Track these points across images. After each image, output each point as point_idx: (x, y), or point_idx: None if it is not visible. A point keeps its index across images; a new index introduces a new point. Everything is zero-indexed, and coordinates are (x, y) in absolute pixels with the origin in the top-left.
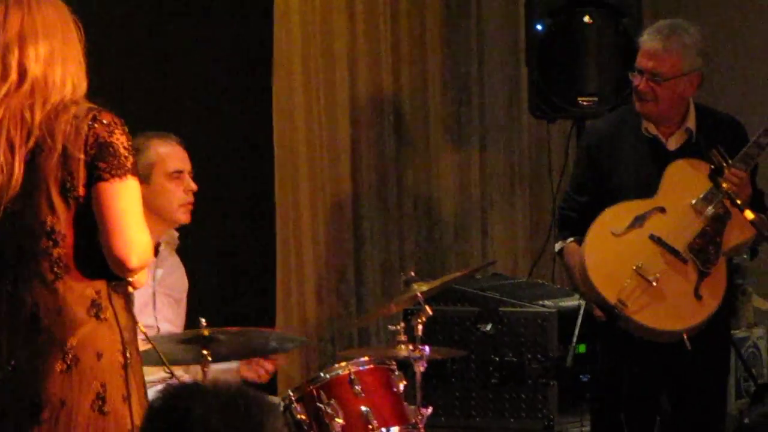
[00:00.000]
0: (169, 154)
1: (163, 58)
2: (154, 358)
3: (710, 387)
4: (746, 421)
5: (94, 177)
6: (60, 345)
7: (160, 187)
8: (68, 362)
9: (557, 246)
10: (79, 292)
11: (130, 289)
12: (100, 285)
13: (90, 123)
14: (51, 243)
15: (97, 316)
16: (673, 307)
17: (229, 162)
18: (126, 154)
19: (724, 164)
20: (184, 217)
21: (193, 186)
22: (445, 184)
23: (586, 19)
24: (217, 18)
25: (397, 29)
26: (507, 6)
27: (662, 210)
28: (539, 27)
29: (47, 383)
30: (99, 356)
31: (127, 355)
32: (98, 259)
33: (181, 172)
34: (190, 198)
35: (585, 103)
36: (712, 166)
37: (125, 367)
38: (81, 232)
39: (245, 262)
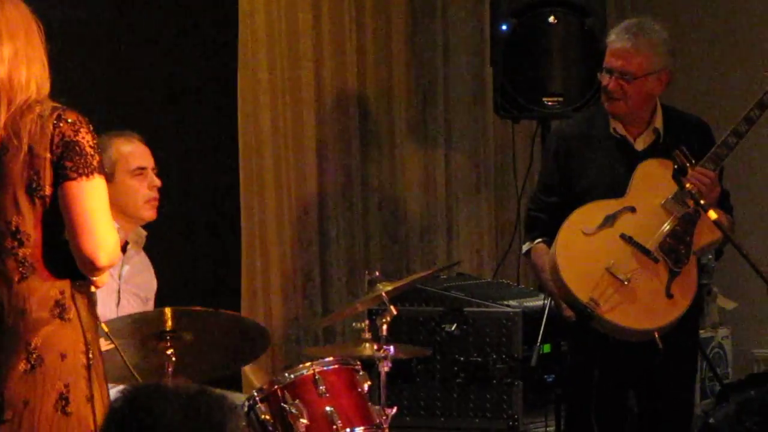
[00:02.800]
0: (131, 151)
1: (127, 58)
2: (116, 363)
3: (679, 387)
4: (711, 421)
5: (61, 176)
6: (24, 345)
7: (123, 185)
8: (32, 362)
9: (525, 247)
10: (43, 292)
11: (93, 288)
12: (65, 285)
13: (55, 122)
14: (16, 243)
15: (60, 317)
16: (645, 307)
17: (195, 162)
18: (92, 153)
19: (688, 164)
20: (149, 213)
21: (157, 182)
22: (411, 184)
23: (551, 19)
24: (182, 17)
25: (363, 29)
26: (472, 6)
27: (632, 209)
28: (504, 27)
29: (10, 383)
30: (63, 357)
31: (90, 355)
32: (64, 258)
33: (143, 168)
34: (155, 194)
35: (550, 103)
36: (676, 167)
37: (88, 367)
38: (47, 231)
39: (210, 261)
